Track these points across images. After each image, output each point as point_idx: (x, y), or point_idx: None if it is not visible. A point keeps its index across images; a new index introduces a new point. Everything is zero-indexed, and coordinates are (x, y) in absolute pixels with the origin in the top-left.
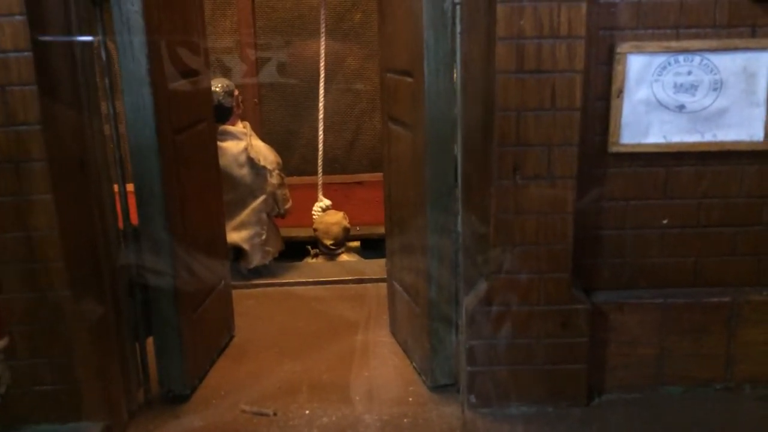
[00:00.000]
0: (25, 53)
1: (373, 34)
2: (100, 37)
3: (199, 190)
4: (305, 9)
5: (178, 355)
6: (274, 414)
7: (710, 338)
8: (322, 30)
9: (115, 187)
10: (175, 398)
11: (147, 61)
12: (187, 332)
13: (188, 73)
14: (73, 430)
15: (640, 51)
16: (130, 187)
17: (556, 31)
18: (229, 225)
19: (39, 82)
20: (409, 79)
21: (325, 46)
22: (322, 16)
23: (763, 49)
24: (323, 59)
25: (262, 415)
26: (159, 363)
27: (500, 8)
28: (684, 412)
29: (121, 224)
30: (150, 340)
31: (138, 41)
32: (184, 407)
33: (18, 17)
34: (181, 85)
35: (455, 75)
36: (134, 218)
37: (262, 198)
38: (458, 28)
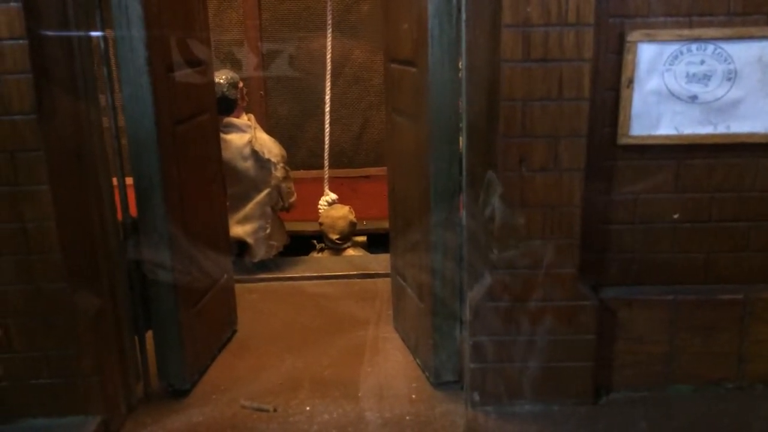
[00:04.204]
0: (21, 41)
1: (380, 26)
2: (98, 27)
3: (200, 183)
4: (312, 1)
5: (177, 349)
6: (274, 410)
7: (722, 336)
8: (329, 22)
9: (115, 180)
10: (175, 393)
11: (145, 49)
12: (187, 326)
13: (189, 63)
14: (71, 424)
15: (651, 39)
16: (130, 180)
17: (564, 18)
18: (233, 218)
19: (35, 70)
20: (413, 69)
21: (332, 39)
22: (329, 8)
23: None
24: (330, 52)
25: (262, 410)
26: (158, 357)
27: None
28: (694, 411)
29: (120, 216)
30: (150, 334)
31: (136, 29)
32: (184, 402)
33: (13, 4)
34: (181, 75)
35: (460, 64)
36: (134, 211)
37: (266, 191)
38: (463, 16)
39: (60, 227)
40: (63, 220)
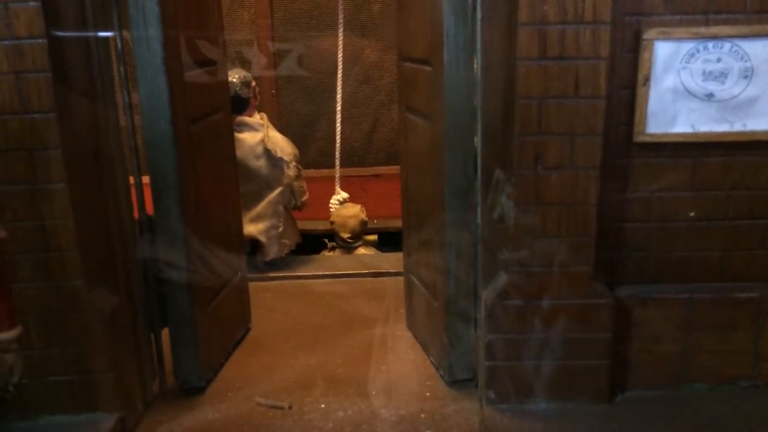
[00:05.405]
0: (40, 40)
1: (392, 25)
2: (115, 27)
3: (215, 181)
4: (323, 0)
5: (193, 347)
6: (289, 407)
7: (737, 335)
8: (340, 21)
9: (131, 179)
10: (190, 390)
11: (162, 49)
12: (202, 324)
13: (204, 62)
14: (88, 421)
15: (667, 37)
16: (146, 179)
17: (580, 16)
18: (246, 217)
19: (53, 69)
20: (428, 68)
21: (343, 38)
22: (340, 7)
23: None
24: (341, 51)
25: (277, 408)
26: (174, 355)
27: None
28: (709, 410)
29: (136, 214)
30: (165, 332)
31: (153, 30)
32: (199, 399)
33: (32, 3)
34: (196, 74)
35: (475, 63)
36: (150, 210)
37: (278, 190)
38: (479, 15)
39: (77, 225)
40: (80, 219)
